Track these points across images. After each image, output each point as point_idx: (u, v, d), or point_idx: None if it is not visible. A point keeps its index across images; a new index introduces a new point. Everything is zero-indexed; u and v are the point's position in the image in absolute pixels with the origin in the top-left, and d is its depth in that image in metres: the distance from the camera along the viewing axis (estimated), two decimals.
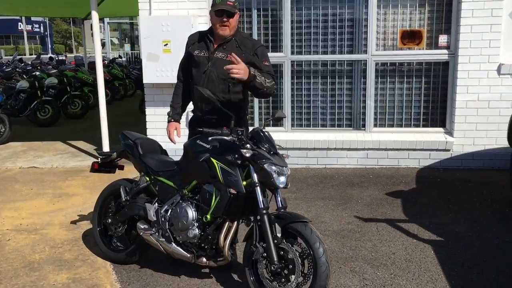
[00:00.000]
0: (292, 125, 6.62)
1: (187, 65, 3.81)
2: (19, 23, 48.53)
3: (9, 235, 4.55)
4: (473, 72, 6.00)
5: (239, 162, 3.21)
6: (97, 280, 3.70)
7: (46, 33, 54.68)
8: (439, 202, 5.15)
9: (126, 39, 30.50)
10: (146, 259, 3.92)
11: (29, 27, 50.84)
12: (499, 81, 5.97)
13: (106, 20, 22.86)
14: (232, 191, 3.18)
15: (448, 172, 6.11)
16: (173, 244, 3.50)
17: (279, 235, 3.10)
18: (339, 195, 5.43)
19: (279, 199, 3.24)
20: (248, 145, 3.17)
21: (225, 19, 3.54)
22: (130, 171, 4.81)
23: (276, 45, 6.46)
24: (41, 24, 53.89)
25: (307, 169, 6.39)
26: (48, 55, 25.66)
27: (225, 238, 3.30)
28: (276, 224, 3.11)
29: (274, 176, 3.11)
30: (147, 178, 3.75)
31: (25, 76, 13.06)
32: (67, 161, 7.16)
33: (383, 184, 5.77)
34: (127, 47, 27.78)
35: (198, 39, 3.76)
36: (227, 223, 3.31)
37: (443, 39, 6.17)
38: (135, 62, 21.28)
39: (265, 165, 3.10)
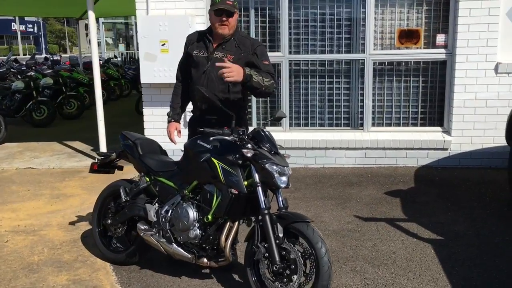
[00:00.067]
0: (290, 125, 6.62)
1: (186, 65, 3.79)
2: (13, 23, 48.29)
3: (7, 236, 4.52)
4: (470, 71, 6.01)
5: (240, 162, 3.20)
6: (97, 281, 3.68)
7: (40, 33, 54.44)
8: (438, 201, 5.16)
9: (121, 39, 30.40)
10: (146, 260, 3.90)
11: (22, 27, 50.59)
12: (496, 80, 5.99)
13: (101, 20, 22.77)
14: (234, 191, 3.17)
15: (446, 171, 6.13)
16: (174, 245, 3.49)
17: (281, 235, 3.09)
18: (338, 195, 5.43)
19: (280, 199, 3.23)
20: (249, 145, 3.16)
21: (224, 19, 3.52)
22: (128, 172, 4.79)
23: (274, 45, 6.46)
24: (35, 24, 53.64)
25: (305, 168, 6.38)
26: (43, 55, 25.57)
27: (226, 239, 3.29)
28: (278, 224, 3.10)
29: (275, 176, 3.10)
30: (147, 179, 3.73)
31: (19, 77, 12.99)
32: (64, 162, 7.12)
33: (381, 183, 5.77)
34: (121, 47, 27.68)
35: (197, 39, 3.74)
36: (228, 223, 3.30)
37: (440, 38, 6.18)
38: (130, 62, 21.22)
39: (267, 165, 3.09)
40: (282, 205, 3.21)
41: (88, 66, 15.39)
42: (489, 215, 4.74)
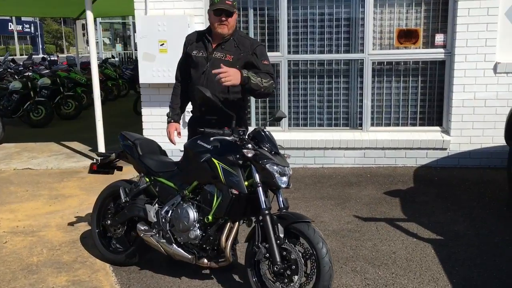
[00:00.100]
0: (289, 125, 6.61)
1: (185, 65, 3.78)
2: (9, 23, 48.17)
3: (6, 237, 4.50)
4: (469, 71, 6.01)
5: (240, 162, 3.19)
6: (97, 282, 3.66)
7: (36, 33, 54.33)
8: (437, 201, 5.16)
9: (118, 39, 30.38)
10: (146, 260, 3.89)
11: (19, 27, 50.47)
12: (495, 80, 6.00)
13: (98, 20, 22.72)
14: (234, 191, 3.16)
15: (445, 170, 6.13)
16: (174, 245, 3.47)
17: (282, 235, 3.08)
18: (337, 195, 5.43)
19: (281, 199, 3.22)
20: (249, 145, 3.15)
21: (223, 18, 3.51)
22: (127, 172, 4.77)
23: (273, 45, 6.45)
24: (32, 24, 53.54)
25: (304, 168, 6.38)
26: (41, 56, 25.48)
27: (226, 239, 3.28)
28: (278, 224, 3.09)
29: (276, 176, 3.09)
30: (147, 179, 3.72)
31: (16, 77, 12.95)
32: (62, 162, 7.10)
33: (380, 183, 5.77)
34: (118, 47, 27.66)
35: (196, 39, 3.73)
36: (228, 223, 3.29)
37: (439, 38, 6.19)
38: (128, 62, 21.18)
39: (267, 165, 3.08)
40: (282, 205, 3.20)
41: (86, 66, 15.36)
42: (489, 215, 4.74)
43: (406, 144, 6.25)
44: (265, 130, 3.29)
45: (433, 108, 6.40)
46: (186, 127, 3.82)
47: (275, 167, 3.10)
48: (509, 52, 5.95)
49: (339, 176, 6.09)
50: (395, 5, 6.26)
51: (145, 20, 6.19)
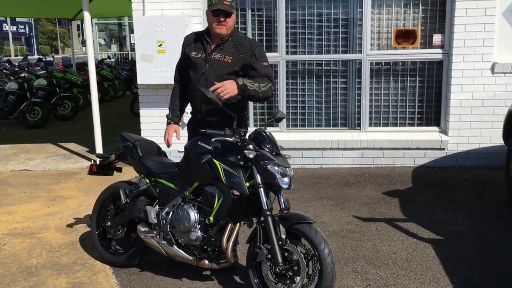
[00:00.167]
0: (288, 125, 6.60)
1: (184, 67, 3.77)
2: (4, 24, 47.93)
3: (4, 239, 4.47)
4: (467, 71, 6.03)
5: (241, 163, 3.19)
6: (97, 284, 3.65)
7: (31, 34, 54.09)
8: (436, 201, 5.17)
9: (113, 39, 30.26)
10: (146, 262, 3.88)
11: (14, 28, 50.21)
12: (493, 80, 6.01)
13: (94, 20, 22.65)
14: (236, 192, 3.16)
15: (443, 170, 6.14)
16: (175, 247, 3.46)
17: (283, 236, 3.08)
18: (337, 195, 5.43)
19: (282, 200, 3.21)
20: (251, 146, 3.15)
21: (222, 19, 3.51)
22: (125, 173, 4.74)
23: (271, 45, 6.44)
24: (26, 25, 53.28)
25: (302, 169, 6.37)
26: (37, 56, 25.40)
27: (228, 240, 3.27)
28: (280, 225, 3.09)
29: (277, 177, 3.09)
30: (147, 180, 3.70)
31: (12, 78, 12.90)
32: (59, 164, 7.07)
33: (379, 183, 5.78)
34: (114, 47, 27.56)
35: (195, 40, 3.71)
36: (229, 225, 3.28)
37: (437, 38, 6.20)
38: (124, 63, 21.12)
39: (269, 166, 3.08)
40: (284, 206, 3.20)
41: (81, 67, 15.32)
42: (488, 215, 4.76)
43: (404, 144, 6.25)
44: (266, 130, 3.29)
45: (431, 108, 6.41)
46: (185, 128, 3.81)
47: (276, 168, 3.09)
48: (506, 52, 5.97)
49: (337, 176, 6.09)
50: (393, 6, 6.27)
51: (143, 20, 6.17)
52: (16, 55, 42.22)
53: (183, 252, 3.44)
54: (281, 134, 6.45)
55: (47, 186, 6.04)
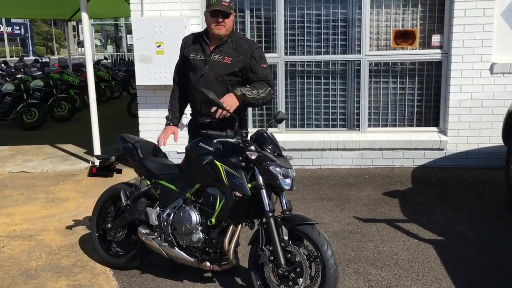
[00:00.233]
0: (287, 126, 6.59)
1: (183, 68, 3.75)
2: None
3: (3, 242, 4.44)
4: (466, 72, 6.03)
5: (243, 164, 3.17)
6: (97, 286, 3.62)
7: (27, 35, 53.91)
8: (436, 201, 5.17)
9: (109, 40, 30.18)
10: (147, 264, 3.85)
11: (9, 29, 50.05)
12: (491, 80, 6.02)
13: (90, 21, 22.60)
14: (237, 194, 3.14)
15: (443, 171, 6.14)
16: (176, 249, 3.44)
17: (286, 237, 3.06)
18: (336, 196, 5.42)
19: (284, 201, 3.20)
20: (252, 147, 3.13)
21: (220, 20, 3.49)
22: (124, 174, 4.71)
23: (270, 46, 6.43)
24: (22, 26, 53.10)
25: (302, 169, 6.36)
26: (33, 58, 25.30)
27: (229, 242, 3.25)
28: (282, 226, 3.08)
29: (279, 178, 3.07)
30: (148, 182, 3.68)
31: (8, 79, 12.84)
32: (57, 165, 7.03)
33: (379, 184, 5.77)
34: (110, 48, 27.47)
35: (193, 41, 3.69)
36: (231, 226, 3.26)
37: (436, 38, 6.20)
38: (120, 63, 21.08)
39: (271, 167, 3.07)
40: (286, 208, 3.19)
41: (77, 68, 15.27)
42: (488, 215, 4.76)
43: (404, 145, 6.25)
44: (267, 131, 3.28)
45: (430, 108, 6.41)
46: (184, 129, 3.78)
47: (278, 169, 3.08)
48: (505, 53, 5.98)
49: (337, 177, 6.09)
50: (391, 6, 6.27)
51: (141, 21, 6.15)
52: (11, 56, 42.10)
53: (184, 254, 3.42)
54: (280, 135, 6.42)
55: (45, 188, 6.01)
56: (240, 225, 3.31)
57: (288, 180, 3.11)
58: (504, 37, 5.96)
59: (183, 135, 3.89)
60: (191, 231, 3.33)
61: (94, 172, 4.05)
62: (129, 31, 23.75)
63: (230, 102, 3.33)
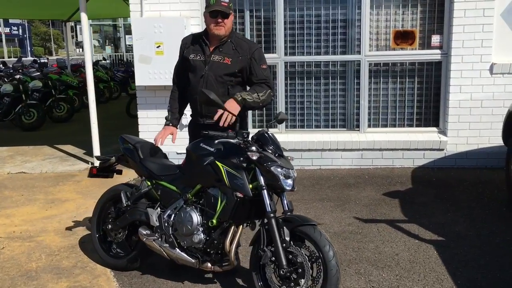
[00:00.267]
0: (286, 126, 6.59)
1: (183, 69, 3.74)
2: None
3: (3, 243, 4.42)
4: (465, 72, 6.03)
5: (244, 165, 3.16)
6: (98, 287, 3.61)
7: (25, 36, 53.84)
8: (436, 201, 5.16)
9: (107, 41, 30.15)
10: (148, 265, 3.84)
11: (7, 30, 49.94)
12: (491, 81, 6.02)
13: (89, 22, 22.57)
14: (239, 194, 3.13)
15: (443, 171, 6.14)
16: (177, 250, 3.43)
17: (287, 238, 3.05)
18: (337, 196, 5.41)
19: (285, 202, 3.20)
20: (253, 148, 3.12)
21: (220, 20, 3.49)
22: (124, 175, 4.71)
23: (269, 46, 6.42)
24: (20, 27, 53.02)
25: (302, 170, 6.35)
26: (31, 58, 25.26)
27: (231, 243, 3.24)
28: (284, 227, 3.07)
29: (281, 178, 3.07)
30: (148, 183, 3.67)
31: (6, 80, 12.80)
32: (56, 166, 7.01)
33: (379, 184, 5.77)
34: (108, 49, 27.45)
35: (193, 42, 3.69)
36: (232, 227, 3.25)
37: (435, 39, 6.20)
38: (119, 64, 21.05)
39: (272, 168, 3.06)
40: (287, 208, 3.18)
41: (76, 68, 15.24)
42: (488, 215, 4.75)
43: (403, 145, 6.25)
44: (268, 132, 3.27)
45: (429, 109, 6.41)
46: (184, 130, 3.77)
47: (279, 170, 3.07)
48: (505, 53, 5.98)
49: (337, 177, 6.08)
50: (391, 6, 6.27)
51: (141, 22, 6.14)
52: (9, 57, 42.01)
53: (185, 255, 3.40)
54: (280, 135, 6.35)
55: (45, 189, 5.99)
56: (241, 226, 3.30)
57: (289, 181, 3.10)
58: (504, 37, 5.96)
59: (183, 136, 3.87)
60: (192, 232, 3.32)
61: (94, 173, 4.04)
62: (127, 31, 23.76)
63: (231, 107, 3.32)
